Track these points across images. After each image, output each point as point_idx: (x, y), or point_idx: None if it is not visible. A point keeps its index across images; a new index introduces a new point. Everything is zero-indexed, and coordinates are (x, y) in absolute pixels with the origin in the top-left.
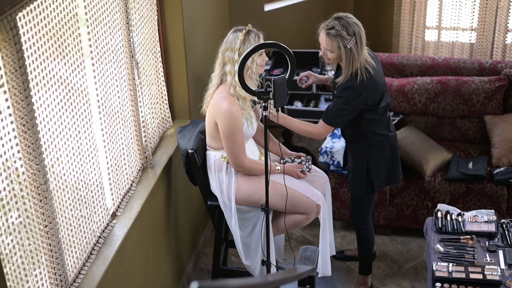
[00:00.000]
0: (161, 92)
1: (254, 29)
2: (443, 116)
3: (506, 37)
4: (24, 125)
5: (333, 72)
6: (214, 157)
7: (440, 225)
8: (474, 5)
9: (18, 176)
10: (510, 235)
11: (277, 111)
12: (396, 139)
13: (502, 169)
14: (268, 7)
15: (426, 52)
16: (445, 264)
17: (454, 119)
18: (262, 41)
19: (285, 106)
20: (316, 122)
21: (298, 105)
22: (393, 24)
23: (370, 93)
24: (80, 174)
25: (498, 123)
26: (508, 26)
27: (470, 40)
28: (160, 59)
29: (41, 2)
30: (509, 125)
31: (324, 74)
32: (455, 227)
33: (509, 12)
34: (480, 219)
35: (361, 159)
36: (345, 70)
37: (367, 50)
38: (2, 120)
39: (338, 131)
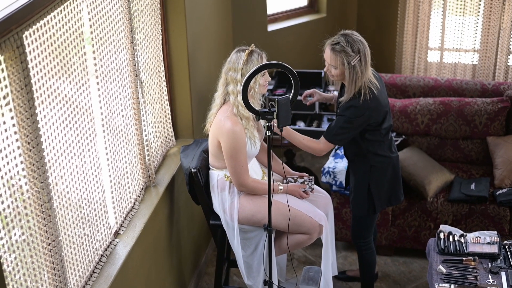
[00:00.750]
0: (165, 111)
1: (257, 49)
2: (446, 137)
3: (509, 58)
4: (29, 143)
5: (337, 92)
6: (217, 176)
7: (442, 246)
8: (477, 26)
9: (22, 193)
10: None
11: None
12: (398, 160)
13: (504, 190)
14: (271, 27)
15: (429, 73)
16: (448, 285)
17: (457, 140)
18: (265, 61)
19: (288, 126)
20: None
21: (300, 125)
22: (396, 45)
23: (373, 113)
24: (84, 192)
25: (500, 144)
26: (510, 48)
27: (473, 61)
28: (164, 78)
29: (47, 21)
30: (511, 146)
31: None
32: (458, 248)
33: (511, 34)
34: (483, 241)
35: (363, 179)
36: (348, 88)
37: (371, 71)
38: (7, 137)
39: (340, 151)
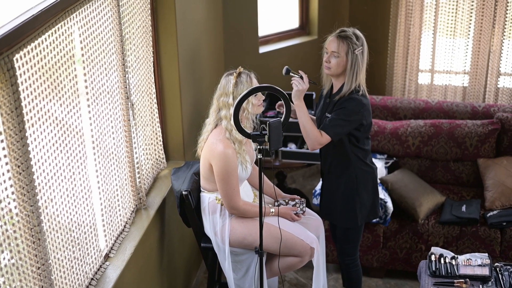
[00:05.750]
0: (156, 133)
1: (245, 70)
2: (437, 159)
3: (499, 80)
4: (19, 166)
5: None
6: (208, 199)
7: (433, 269)
8: (467, 49)
9: (11, 217)
10: (504, 279)
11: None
12: (377, 173)
13: (495, 212)
14: (263, 49)
15: (419, 95)
16: None
17: (448, 162)
18: (254, 81)
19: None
20: (311, 165)
21: (292, 147)
22: (387, 67)
23: (366, 112)
24: (74, 215)
25: (491, 166)
26: (500, 70)
27: (463, 83)
28: (155, 100)
29: (38, 44)
30: (502, 169)
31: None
32: (449, 271)
33: (501, 56)
34: (474, 263)
35: (351, 189)
36: (348, 81)
37: None
38: None
39: None
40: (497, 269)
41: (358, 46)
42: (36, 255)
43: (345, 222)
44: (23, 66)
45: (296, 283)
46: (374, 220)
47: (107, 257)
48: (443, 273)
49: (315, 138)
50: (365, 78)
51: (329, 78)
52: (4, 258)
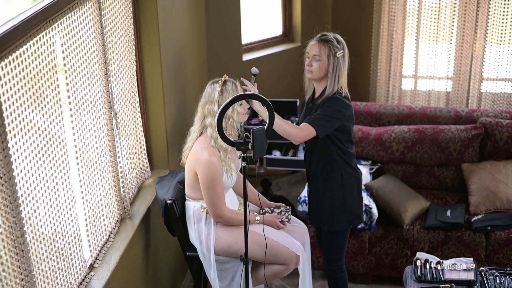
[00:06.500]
0: (140, 142)
1: (230, 78)
2: (421, 164)
3: (481, 85)
4: (1, 177)
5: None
6: (193, 207)
7: (419, 274)
8: (450, 54)
9: None
10: (489, 283)
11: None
12: (361, 179)
13: (480, 216)
14: (246, 57)
15: (403, 101)
16: None
17: (432, 167)
18: (239, 89)
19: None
20: (295, 172)
21: (276, 154)
22: (370, 73)
23: (348, 112)
24: (58, 225)
25: (475, 171)
26: (483, 75)
27: (446, 88)
28: (138, 109)
29: (20, 54)
30: (485, 173)
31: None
32: (434, 276)
33: (484, 61)
34: (459, 267)
35: (338, 192)
36: (330, 83)
37: None
38: None
39: None
40: (482, 273)
41: (339, 49)
42: (19, 267)
43: (332, 225)
44: (4, 76)
45: None
46: (360, 226)
47: (91, 267)
48: (429, 278)
49: (296, 130)
50: (346, 82)
51: (311, 85)
52: None
